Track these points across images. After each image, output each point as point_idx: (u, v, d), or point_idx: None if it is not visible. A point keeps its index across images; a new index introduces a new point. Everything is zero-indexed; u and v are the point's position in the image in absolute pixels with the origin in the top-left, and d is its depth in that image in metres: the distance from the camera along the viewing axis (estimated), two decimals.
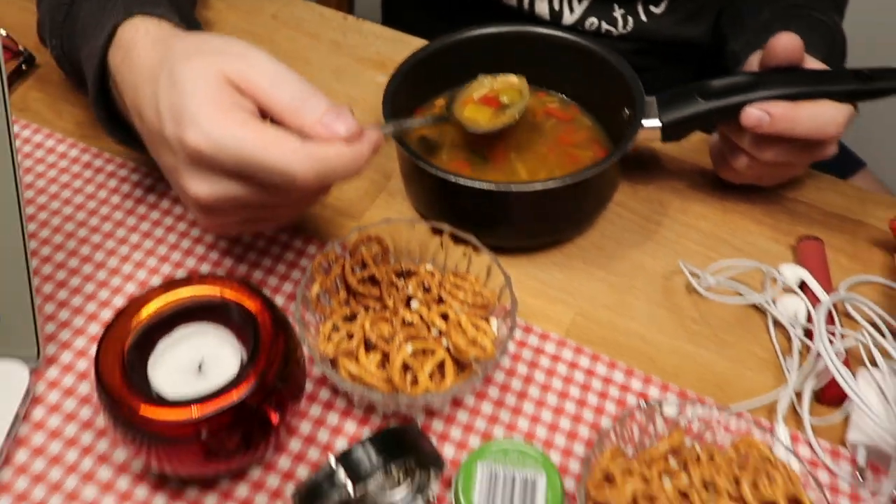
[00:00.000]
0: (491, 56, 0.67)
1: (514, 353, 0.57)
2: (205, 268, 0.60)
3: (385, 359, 0.52)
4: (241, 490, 0.49)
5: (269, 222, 0.53)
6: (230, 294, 0.48)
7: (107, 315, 0.57)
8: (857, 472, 0.52)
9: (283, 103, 0.46)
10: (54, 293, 0.58)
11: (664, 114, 0.61)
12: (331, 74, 0.77)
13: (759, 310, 0.61)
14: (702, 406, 0.51)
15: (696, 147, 0.72)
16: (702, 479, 0.46)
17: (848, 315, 0.59)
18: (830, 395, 0.55)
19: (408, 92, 0.64)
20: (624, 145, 0.58)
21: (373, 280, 0.56)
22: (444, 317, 0.53)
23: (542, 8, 0.82)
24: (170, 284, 0.48)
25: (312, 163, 0.44)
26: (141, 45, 0.50)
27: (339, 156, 0.45)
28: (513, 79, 0.63)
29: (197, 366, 0.47)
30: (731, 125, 0.61)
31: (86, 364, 0.54)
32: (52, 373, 0.54)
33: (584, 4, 0.81)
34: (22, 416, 0.51)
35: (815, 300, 0.59)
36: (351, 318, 0.54)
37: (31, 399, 0.52)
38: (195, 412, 0.43)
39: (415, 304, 0.54)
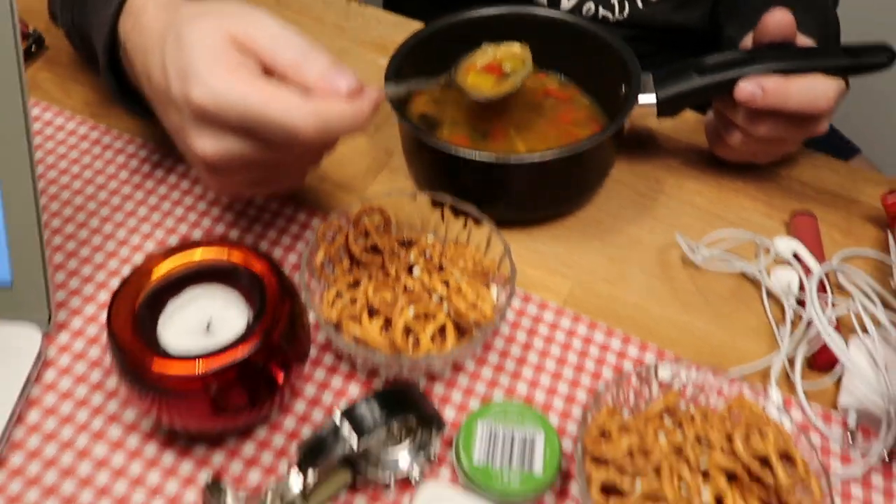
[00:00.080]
0: (491, 37, 0.68)
1: (513, 322, 0.58)
2: None
3: (387, 324, 0.53)
4: (248, 448, 0.50)
5: (275, 184, 0.54)
6: (237, 257, 0.49)
7: (115, 284, 0.58)
8: (848, 435, 0.53)
9: (286, 60, 0.47)
10: (64, 263, 0.59)
11: (660, 89, 0.62)
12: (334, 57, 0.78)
13: (754, 283, 0.62)
14: (696, 370, 0.52)
15: (691, 127, 0.73)
16: (696, 434, 0.47)
17: (840, 287, 0.60)
18: (822, 361, 0.56)
19: (408, 72, 0.66)
20: (620, 118, 0.60)
21: (375, 249, 0.57)
22: (445, 284, 0.55)
23: None
24: (179, 247, 0.50)
25: (314, 117, 0.45)
26: (150, 10, 0.52)
27: (341, 111, 0.46)
28: (516, 48, 0.64)
29: (205, 326, 0.49)
30: (725, 101, 0.62)
31: (95, 330, 0.56)
32: (63, 338, 0.55)
33: None
34: (34, 378, 0.52)
35: (808, 272, 0.60)
36: (354, 285, 0.56)
37: (42, 362, 0.53)
38: (201, 366, 0.44)
39: (416, 271, 0.56)
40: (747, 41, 0.65)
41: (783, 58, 0.60)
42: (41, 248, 0.53)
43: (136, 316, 0.46)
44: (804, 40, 0.62)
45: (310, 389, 0.54)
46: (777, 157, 0.69)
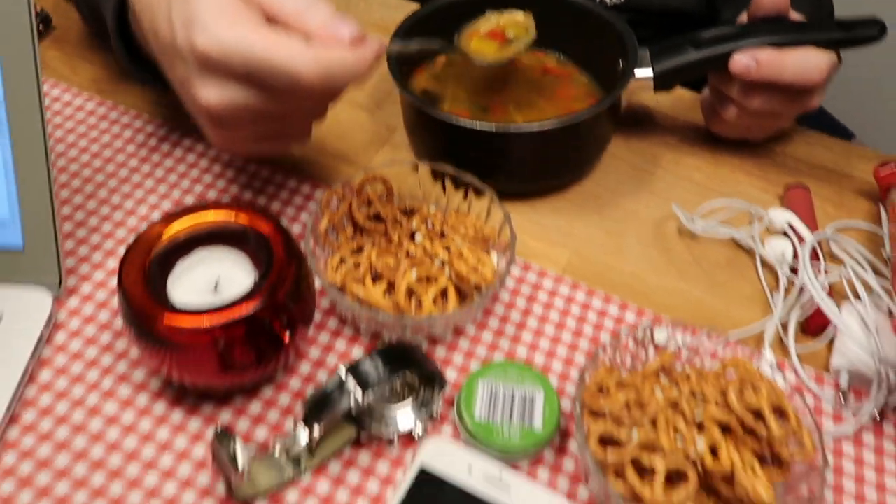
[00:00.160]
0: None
1: (512, 289, 0.60)
2: None
3: (390, 288, 0.54)
4: (254, 406, 0.52)
5: (280, 140, 0.55)
6: (244, 219, 0.51)
7: (123, 252, 0.59)
8: (840, 395, 0.55)
9: (289, 9, 0.48)
10: (73, 231, 0.60)
11: (657, 63, 0.63)
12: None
13: (748, 252, 0.64)
14: (692, 333, 0.53)
15: (688, 105, 0.75)
16: (691, 390, 0.48)
17: (833, 256, 0.62)
18: (814, 325, 0.57)
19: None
20: (617, 90, 0.61)
21: (378, 217, 0.58)
22: (447, 249, 0.56)
23: None
24: (190, 209, 0.51)
25: (317, 64, 0.46)
26: None
27: (343, 58, 0.47)
28: (519, 15, 0.66)
29: (213, 285, 0.50)
30: (720, 75, 0.64)
31: (105, 295, 0.57)
32: (73, 302, 0.56)
33: None
34: (45, 339, 0.53)
35: (801, 241, 0.61)
36: (358, 251, 0.57)
37: (53, 324, 0.54)
38: (209, 320, 0.46)
39: (419, 237, 0.57)
40: (742, 18, 0.66)
41: (777, 31, 0.61)
42: (53, 215, 0.54)
43: (146, 273, 0.47)
44: (797, 17, 0.64)
45: (314, 352, 0.55)
46: (771, 133, 0.71)
